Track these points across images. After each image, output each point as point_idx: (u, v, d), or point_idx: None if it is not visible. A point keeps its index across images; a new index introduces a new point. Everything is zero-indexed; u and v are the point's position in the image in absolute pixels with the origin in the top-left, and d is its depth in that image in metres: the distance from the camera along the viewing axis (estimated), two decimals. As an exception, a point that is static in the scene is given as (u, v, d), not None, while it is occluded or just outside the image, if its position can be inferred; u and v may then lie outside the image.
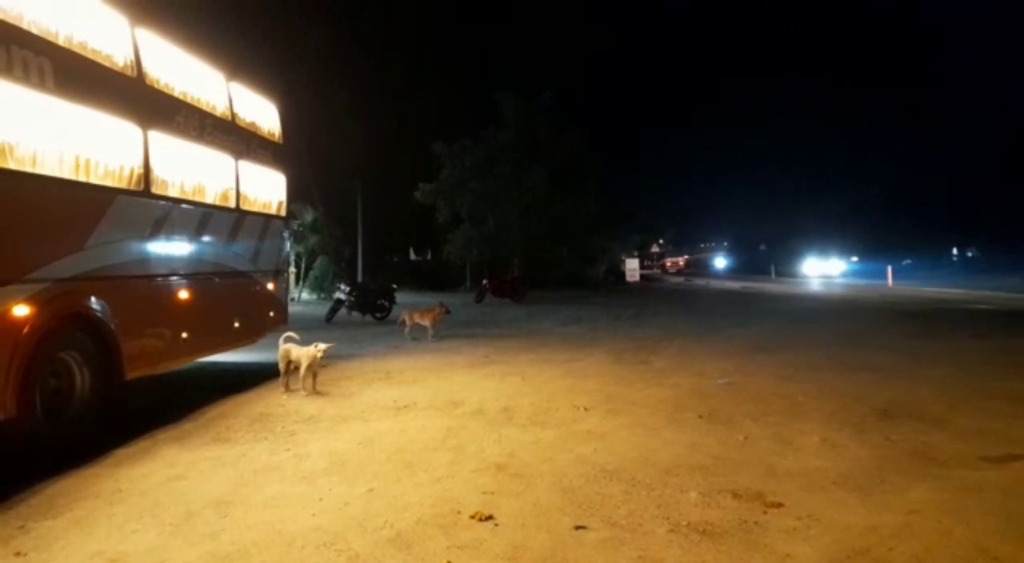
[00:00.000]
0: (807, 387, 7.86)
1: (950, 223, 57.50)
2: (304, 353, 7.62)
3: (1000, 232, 50.50)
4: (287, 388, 7.74)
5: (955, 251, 69.55)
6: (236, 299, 8.56)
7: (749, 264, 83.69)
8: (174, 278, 7.16)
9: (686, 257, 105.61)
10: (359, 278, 28.71)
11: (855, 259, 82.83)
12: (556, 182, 29.61)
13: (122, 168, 6.19)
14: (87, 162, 5.69)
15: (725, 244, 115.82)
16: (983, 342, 11.99)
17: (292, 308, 16.60)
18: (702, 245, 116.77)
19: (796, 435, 5.79)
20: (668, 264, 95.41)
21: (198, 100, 7.64)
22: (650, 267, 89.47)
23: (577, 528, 3.85)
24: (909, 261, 69.04)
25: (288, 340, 7.88)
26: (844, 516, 3.98)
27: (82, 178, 5.64)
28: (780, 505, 4.15)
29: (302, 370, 7.65)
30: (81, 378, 5.60)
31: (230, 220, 8.37)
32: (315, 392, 7.65)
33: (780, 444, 5.55)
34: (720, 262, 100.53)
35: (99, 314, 5.74)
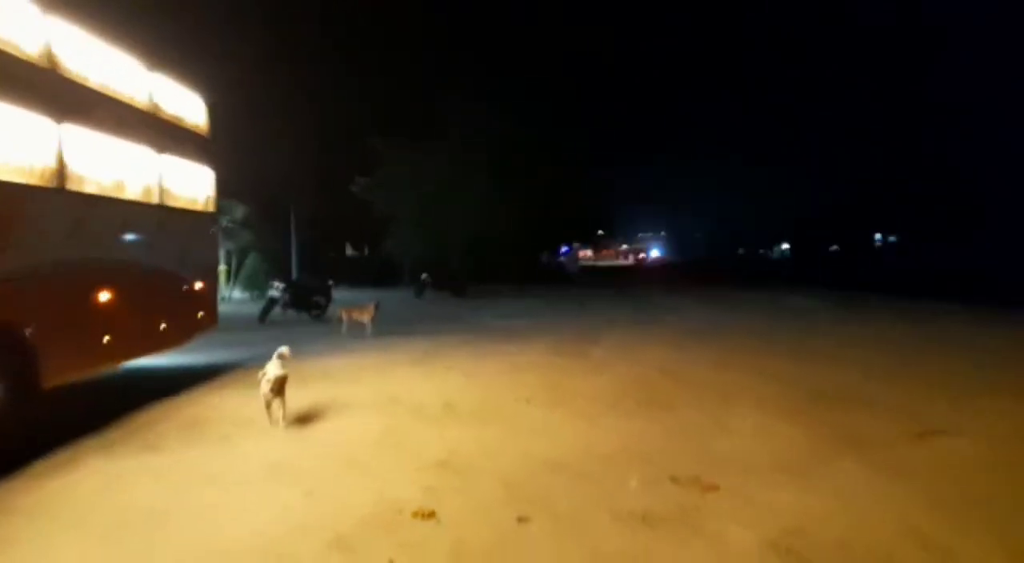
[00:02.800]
0: (742, 371, 8.14)
1: (875, 212, 60.43)
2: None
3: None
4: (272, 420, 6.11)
5: (878, 237, 72.80)
6: (162, 299, 8.19)
7: (684, 253, 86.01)
8: (93, 279, 6.78)
9: (624, 248, 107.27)
10: (294, 275, 28.01)
11: (786, 246, 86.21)
12: (499, 179, 29.59)
13: (34, 163, 5.81)
14: (-5, 157, 5.32)
15: (662, 233, 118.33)
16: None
17: (223, 308, 16.07)
18: (639, 235, 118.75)
19: (732, 420, 5.98)
20: (640, 256, 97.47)
21: (117, 92, 7.24)
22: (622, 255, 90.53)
23: (520, 520, 3.87)
24: (836, 247, 72.32)
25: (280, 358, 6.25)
26: (778, 497, 4.14)
27: (-11, 174, 5.27)
28: (717, 488, 4.28)
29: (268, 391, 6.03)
30: (-7, 388, 5.25)
31: (153, 217, 8.00)
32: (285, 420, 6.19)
33: (717, 429, 5.72)
34: (654, 253, 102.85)
35: (12, 320, 5.39)
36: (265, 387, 5.90)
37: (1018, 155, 44.22)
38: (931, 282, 24.05)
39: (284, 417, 6.08)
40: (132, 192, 7.53)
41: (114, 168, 7.18)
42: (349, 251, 43.52)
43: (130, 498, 4.38)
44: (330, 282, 18.33)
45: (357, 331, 12.89)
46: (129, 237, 7.55)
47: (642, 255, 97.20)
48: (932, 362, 8.53)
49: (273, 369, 5.98)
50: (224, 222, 23.26)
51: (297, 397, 7.37)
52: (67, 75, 6.37)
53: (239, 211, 24.95)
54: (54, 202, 6.12)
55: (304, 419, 6.38)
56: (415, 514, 3.97)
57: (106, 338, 6.84)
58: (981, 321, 12.80)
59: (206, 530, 3.85)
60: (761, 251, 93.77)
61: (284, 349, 6.33)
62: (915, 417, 5.91)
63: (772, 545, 3.50)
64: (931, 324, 12.64)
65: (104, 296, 6.86)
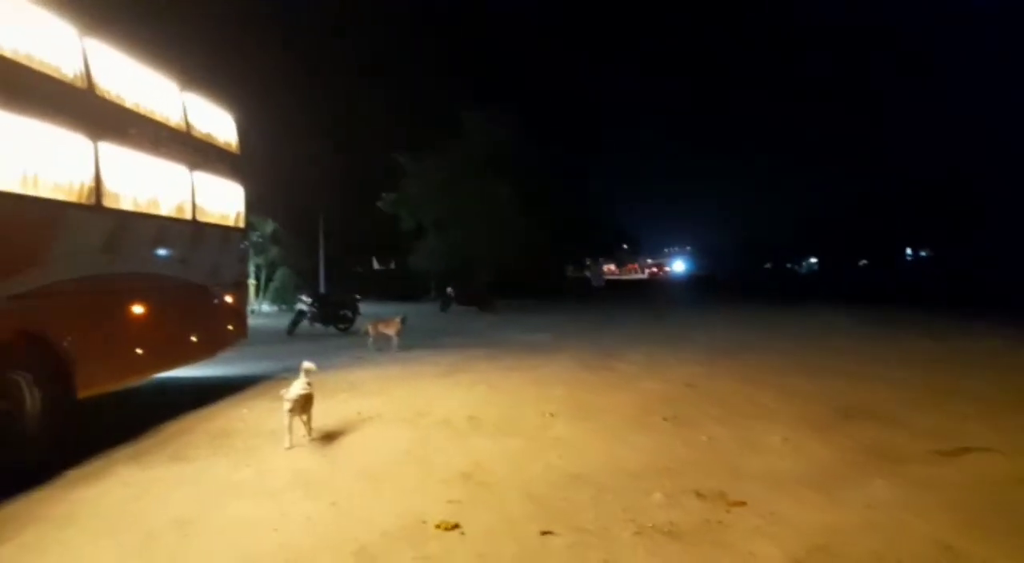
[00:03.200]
0: (769, 388, 8.03)
1: (906, 225, 59.29)
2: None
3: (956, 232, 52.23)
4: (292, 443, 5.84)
5: (909, 251, 71.49)
6: (193, 313, 8.36)
7: (712, 267, 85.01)
8: (128, 292, 6.95)
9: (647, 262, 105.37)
10: (321, 289, 28.34)
11: (815, 261, 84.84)
12: (523, 196, 29.70)
13: (72, 181, 6.01)
14: (35, 176, 5.51)
15: (688, 249, 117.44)
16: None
17: (252, 321, 16.31)
18: (665, 250, 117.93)
19: (759, 436, 5.89)
20: (654, 270, 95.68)
21: (151, 111, 7.46)
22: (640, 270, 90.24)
23: (544, 534, 3.85)
24: (865, 261, 71.05)
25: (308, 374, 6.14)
26: (806, 513, 4.06)
27: (30, 192, 5.45)
28: (743, 504, 4.22)
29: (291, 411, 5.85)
30: (31, 398, 5.39)
31: (186, 232, 8.19)
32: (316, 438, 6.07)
33: (743, 445, 5.64)
34: (679, 266, 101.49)
35: (50, 331, 5.55)
36: (287, 406, 5.75)
37: None
38: (960, 297, 23.51)
39: (309, 433, 6.00)
40: (165, 208, 7.73)
41: (148, 185, 7.38)
42: (376, 265, 43.90)
43: (159, 508, 4.44)
44: (357, 296, 18.53)
45: (384, 344, 12.98)
46: (162, 252, 7.74)
47: (657, 269, 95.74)
48: (962, 379, 8.32)
49: (297, 387, 5.86)
50: (254, 237, 23.70)
51: (323, 409, 7.44)
52: (103, 95, 6.58)
53: (268, 226, 25.41)
54: (91, 218, 6.31)
55: (330, 431, 6.43)
56: (439, 526, 3.98)
57: (139, 350, 7.00)
58: (1007, 337, 12.46)
59: (233, 541, 3.89)
60: (789, 265, 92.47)
61: (309, 364, 6.25)
62: (943, 434, 5.77)
63: (799, 562, 3.44)
64: (962, 340, 12.34)
65: (138, 309, 7.03)
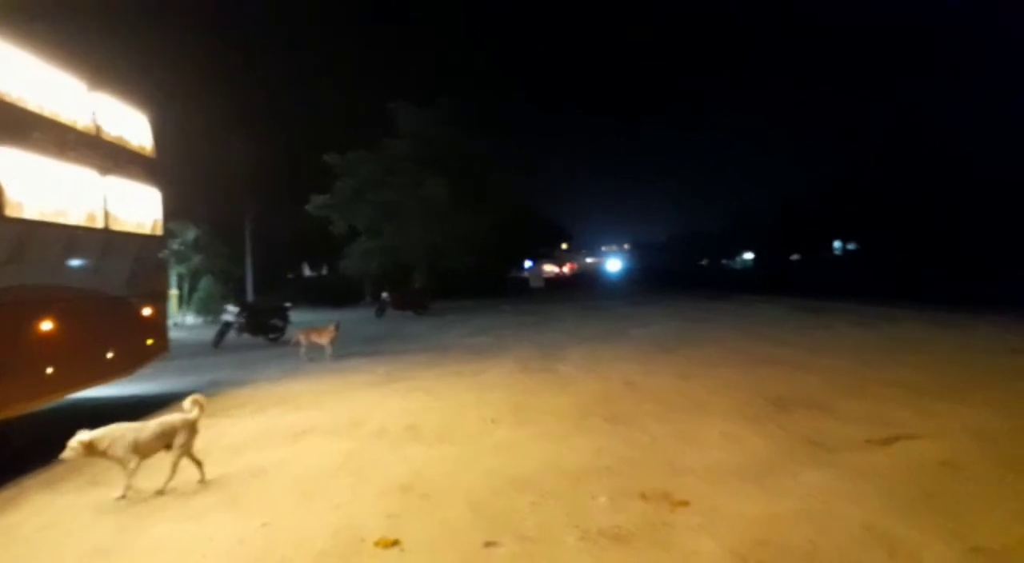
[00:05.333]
0: (708, 382, 8.17)
1: (833, 221, 61.81)
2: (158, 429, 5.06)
3: (880, 227, 54.49)
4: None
5: (836, 245, 74.25)
6: (108, 327, 7.86)
7: (650, 265, 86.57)
8: (34, 308, 6.47)
9: (570, 264, 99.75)
10: (249, 297, 27.40)
11: (750, 256, 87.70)
12: (457, 191, 29.32)
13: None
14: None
15: (626, 246, 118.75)
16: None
17: (176, 333, 15.62)
18: (603, 248, 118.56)
19: (698, 432, 5.96)
20: (567, 268, 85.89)
21: (57, 113, 6.98)
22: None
23: (487, 545, 3.75)
24: (797, 255, 73.95)
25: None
26: (745, 507, 4.11)
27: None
28: (686, 503, 4.24)
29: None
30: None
31: (98, 241, 7.69)
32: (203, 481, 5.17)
33: (683, 441, 5.70)
34: (614, 265, 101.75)
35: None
36: (122, 452, 4.85)
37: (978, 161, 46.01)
38: (889, 288, 24.73)
39: (173, 472, 5.04)
40: (74, 217, 7.25)
41: (55, 192, 6.91)
42: (307, 271, 42.86)
43: (75, 537, 4.17)
44: (287, 304, 17.95)
45: (316, 354, 12.59)
46: (72, 263, 7.26)
47: (568, 266, 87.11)
48: (891, 367, 8.69)
49: (151, 426, 5.01)
50: (175, 245, 22.69)
51: (254, 424, 7.15)
52: (2, 97, 6.11)
53: (190, 233, 24.40)
54: (-10, 228, 5.84)
55: (260, 448, 6.15)
56: (378, 543, 3.83)
57: (49, 369, 6.53)
58: (937, 325, 13.14)
59: (155, 569, 3.65)
60: (724, 261, 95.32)
61: (198, 396, 5.32)
62: (876, 421, 5.98)
63: (742, 558, 3.46)
64: (889, 329, 12.93)
65: (46, 326, 6.56)
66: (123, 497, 4.84)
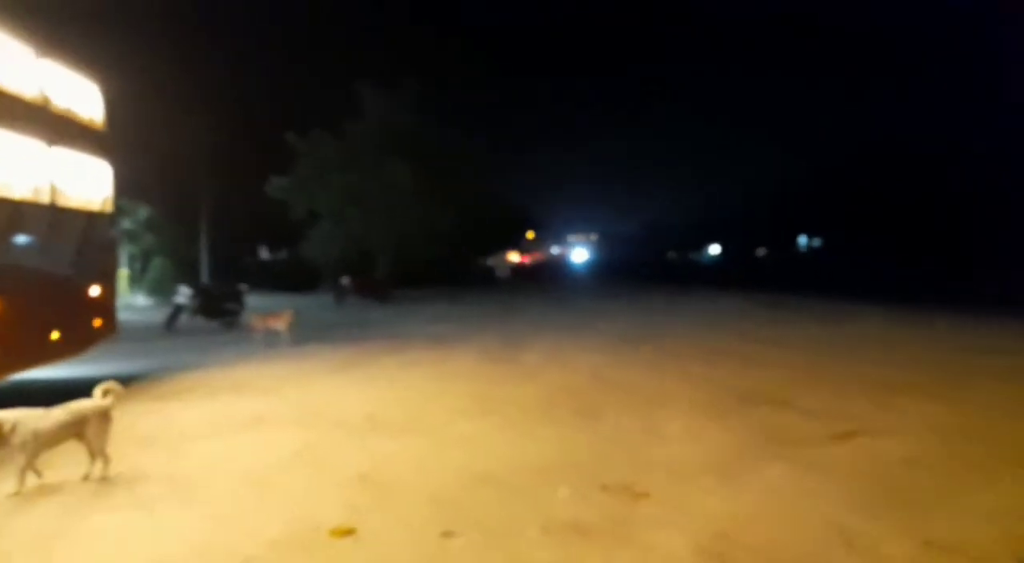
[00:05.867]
0: (672, 375, 8.22)
1: (801, 215, 62.84)
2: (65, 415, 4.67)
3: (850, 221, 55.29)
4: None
5: (803, 241, 75.36)
6: (53, 307, 7.51)
7: (617, 257, 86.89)
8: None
9: (528, 254, 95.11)
10: (204, 280, 26.67)
11: (718, 249, 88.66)
12: (422, 179, 28.88)
13: None
14: None
15: (593, 237, 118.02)
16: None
17: (126, 315, 15.08)
18: (570, 237, 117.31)
19: (662, 425, 5.97)
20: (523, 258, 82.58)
21: (1, 80, 6.59)
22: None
23: (445, 535, 3.67)
24: (763, 249, 75.26)
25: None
26: (707, 501, 4.11)
27: None
28: (647, 495, 4.22)
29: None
30: None
31: (43, 217, 7.32)
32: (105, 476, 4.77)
33: (647, 434, 5.69)
34: (580, 255, 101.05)
35: None
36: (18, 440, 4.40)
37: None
38: (853, 284, 25.29)
39: (93, 466, 4.78)
40: (18, 190, 6.88)
41: (-4, 163, 6.54)
42: (265, 255, 41.92)
43: (15, 524, 3.97)
44: (243, 288, 17.52)
45: (273, 340, 12.30)
46: (15, 239, 6.90)
47: (533, 256, 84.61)
48: (853, 362, 8.87)
49: (53, 415, 4.64)
50: (127, 224, 21.92)
51: (206, 411, 6.92)
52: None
53: (143, 212, 23.63)
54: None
55: (212, 435, 5.95)
56: (333, 532, 3.72)
57: (-14, 349, 6.20)
58: (897, 321, 13.48)
59: (99, 556, 3.52)
60: (691, 254, 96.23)
61: (110, 383, 5.01)
62: (838, 417, 6.07)
63: (702, 551, 3.45)
64: (852, 325, 13.21)
65: (-17, 303, 6.21)
66: (17, 493, 4.42)
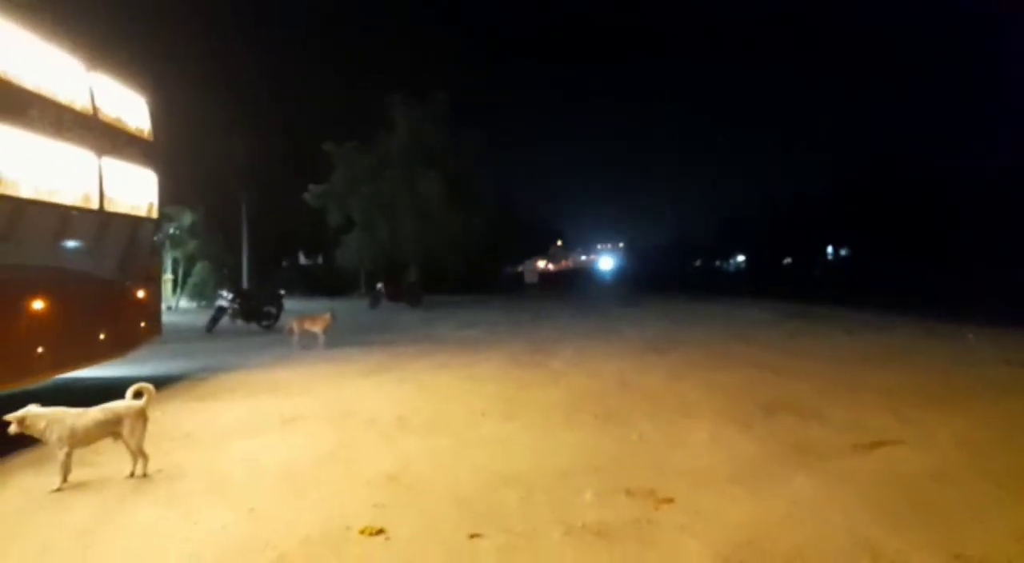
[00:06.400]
0: (698, 384, 8.19)
1: (827, 226, 61.53)
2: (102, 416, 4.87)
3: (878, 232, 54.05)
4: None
5: (830, 250, 73.91)
6: (101, 309, 7.83)
7: (644, 265, 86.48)
8: (26, 287, 6.44)
9: (556, 261, 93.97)
10: (244, 284, 27.33)
11: (743, 259, 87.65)
12: (451, 187, 29.24)
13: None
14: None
15: (620, 246, 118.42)
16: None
17: (169, 318, 15.56)
18: (598, 246, 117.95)
19: (687, 433, 5.98)
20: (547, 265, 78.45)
21: (54, 92, 6.93)
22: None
23: (472, 537, 3.76)
24: (789, 259, 73.92)
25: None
26: (731, 510, 4.12)
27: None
28: (671, 501, 4.25)
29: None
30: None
31: (92, 222, 7.65)
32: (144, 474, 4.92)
33: (671, 441, 5.71)
34: (607, 263, 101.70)
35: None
36: (55, 436, 4.63)
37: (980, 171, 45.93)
38: (880, 295, 24.73)
39: (135, 465, 4.94)
40: (69, 196, 7.22)
41: (50, 172, 6.87)
42: (303, 260, 42.75)
43: (59, 517, 4.15)
44: (281, 292, 17.93)
45: (309, 342, 12.58)
46: (66, 243, 7.24)
47: (562, 263, 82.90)
48: (879, 373, 8.71)
49: (90, 415, 4.82)
50: (171, 229, 22.59)
51: (245, 410, 7.14)
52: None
53: (187, 218, 24.31)
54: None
55: (250, 434, 6.15)
56: (363, 531, 3.83)
57: (39, 348, 6.51)
58: (926, 332, 13.15)
59: (138, 551, 3.65)
60: (717, 263, 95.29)
61: (144, 384, 5.11)
62: (863, 428, 5.99)
63: (726, 559, 3.47)
64: (879, 336, 12.94)
65: (37, 305, 6.53)
66: (59, 490, 4.61)
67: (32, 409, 4.72)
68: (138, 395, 5.08)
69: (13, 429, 4.65)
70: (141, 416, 4.95)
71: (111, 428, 4.88)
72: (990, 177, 44.63)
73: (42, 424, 4.67)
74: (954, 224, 46.16)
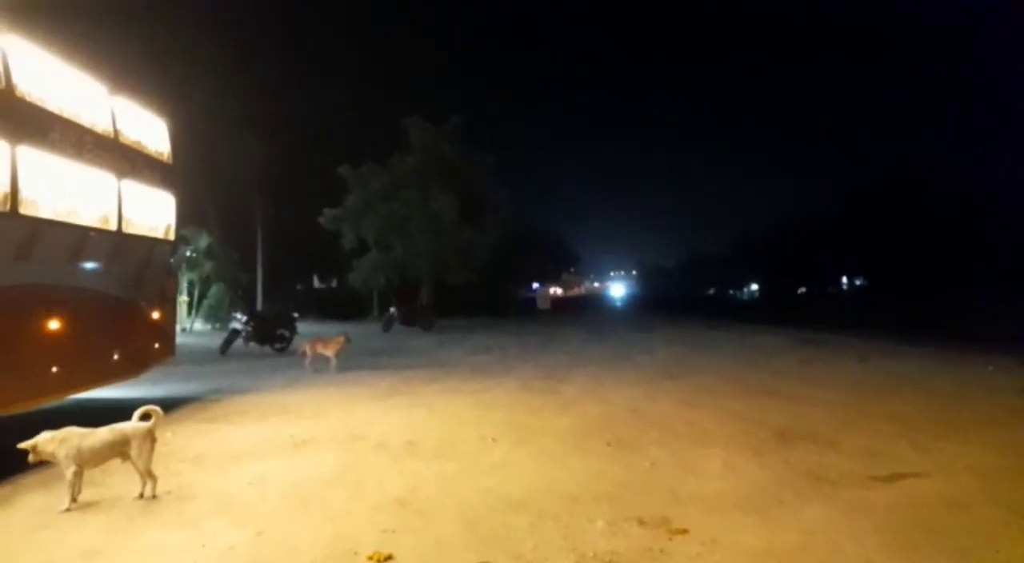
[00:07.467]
0: (710, 411, 8.08)
1: (840, 253, 61.04)
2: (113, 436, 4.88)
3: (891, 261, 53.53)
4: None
5: (844, 280, 73.40)
6: (116, 329, 7.89)
7: (656, 292, 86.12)
8: (43, 306, 6.51)
9: (568, 287, 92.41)
10: (258, 307, 27.50)
11: (756, 287, 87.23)
12: (465, 209, 29.46)
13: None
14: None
15: (633, 272, 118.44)
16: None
17: (183, 339, 15.66)
18: (611, 273, 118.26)
19: (700, 460, 5.89)
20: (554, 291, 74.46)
21: (76, 115, 7.08)
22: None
23: (481, 565, 3.70)
24: (803, 289, 73.36)
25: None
26: (744, 538, 4.04)
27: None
28: (685, 531, 4.17)
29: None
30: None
31: (110, 243, 7.76)
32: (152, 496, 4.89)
33: (684, 469, 5.62)
34: (618, 290, 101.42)
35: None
36: (63, 455, 4.65)
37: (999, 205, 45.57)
38: (897, 323, 24.41)
39: (143, 486, 4.90)
40: (88, 218, 7.33)
41: (71, 193, 6.99)
42: (317, 283, 43.00)
43: (67, 538, 4.14)
44: (295, 314, 18.01)
45: (321, 365, 12.59)
46: (83, 264, 7.32)
47: (566, 290, 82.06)
48: (894, 402, 8.56)
49: (98, 435, 4.84)
50: (187, 251, 22.84)
51: (255, 433, 7.13)
52: (23, 96, 6.21)
53: (203, 240, 24.57)
54: (5, 226, 5.91)
55: (260, 456, 6.13)
56: (371, 557, 3.78)
57: (54, 367, 6.56)
58: (941, 362, 12.94)
59: (144, 574, 3.62)
60: (731, 291, 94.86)
61: (151, 407, 5.15)
62: (877, 457, 5.89)
63: (740, 590, 3.39)
64: (894, 364, 12.75)
65: (53, 324, 6.60)
66: (68, 510, 4.61)
67: (43, 435, 4.75)
68: (146, 417, 5.09)
69: (32, 458, 4.69)
70: (148, 437, 4.95)
71: (119, 449, 4.89)
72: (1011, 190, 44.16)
73: (51, 447, 4.70)
74: (968, 240, 45.67)
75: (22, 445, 4.67)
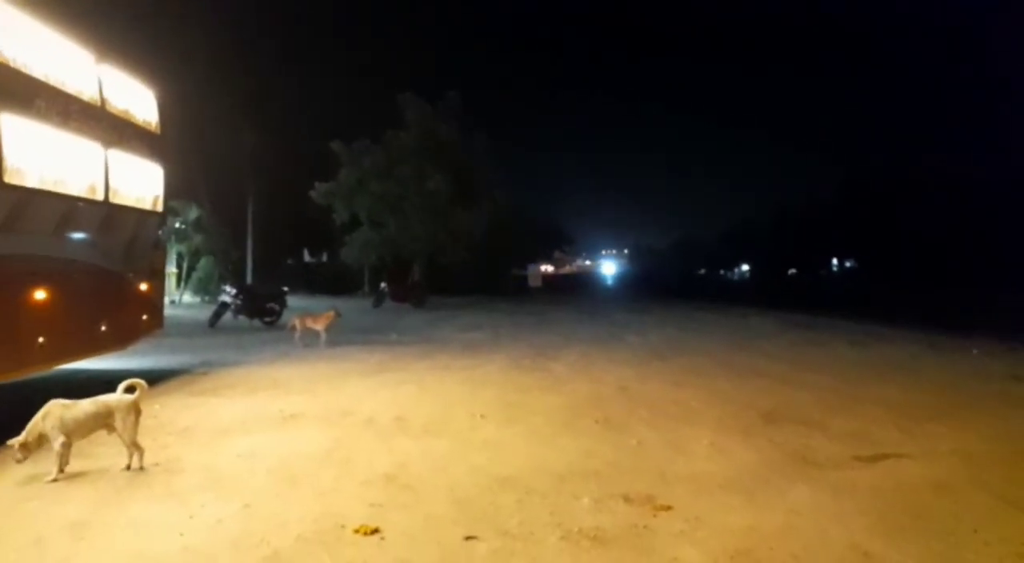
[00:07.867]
0: (699, 392, 8.15)
1: (832, 238, 61.17)
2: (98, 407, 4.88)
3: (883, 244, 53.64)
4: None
5: (835, 262, 73.68)
6: (103, 300, 7.82)
7: (648, 272, 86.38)
8: (29, 277, 6.44)
9: (560, 266, 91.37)
10: (248, 280, 27.37)
11: (747, 268, 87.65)
12: (459, 186, 29.27)
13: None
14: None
15: (625, 251, 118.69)
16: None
17: (172, 312, 15.60)
18: (603, 252, 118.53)
19: (687, 440, 5.94)
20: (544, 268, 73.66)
21: (62, 82, 6.94)
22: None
23: (467, 539, 3.73)
24: (794, 270, 73.72)
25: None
26: (729, 518, 4.08)
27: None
28: (669, 508, 4.21)
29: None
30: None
31: (97, 214, 7.65)
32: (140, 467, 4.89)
33: (672, 449, 5.67)
34: (609, 269, 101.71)
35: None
36: (51, 426, 4.66)
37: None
38: (887, 307, 24.60)
39: (130, 459, 4.90)
40: (75, 188, 7.21)
41: (57, 162, 6.87)
42: (307, 258, 42.80)
43: (53, 509, 4.13)
44: (285, 289, 17.93)
45: (311, 340, 12.57)
46: (70, 234, 7.23)
47: (558, 269, 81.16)
48: (881, 386, 8.65)
49: (80, 407, 4.82)
50: (176, 223, 22.64)
51: (244, 407, 7.13)
52: (6, 62, 6.07)
53: (192, 213, 24.34)
54: (-12, 194, 5.82)
55: (248, 430, 6.13)
56: (357, 531, 3.80)
57: (40, 339, 6.50)
58: (930, 346, 13.06)
59: (131, 545, 3.62)
60: (722, 272, 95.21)
61: (135, 379, 5.14)
62: (864, 440, 5.95)
63: (723, 567, 3.43)
64: (882, 348, 12.87)
65: (40, 295, 6.53)
66: (55, 480, 4.61)
67: (28, 427, 4.71)
68: (131, 389, 5.07)
69: (25, 453, 4.67)
70: (133, 410, 4.93)
71: (103, 421, 4.88)
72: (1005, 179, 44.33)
73: (37, 428, 4.68)
74: (962, 233, 45.93)
75: (12, 441, 4.66)
